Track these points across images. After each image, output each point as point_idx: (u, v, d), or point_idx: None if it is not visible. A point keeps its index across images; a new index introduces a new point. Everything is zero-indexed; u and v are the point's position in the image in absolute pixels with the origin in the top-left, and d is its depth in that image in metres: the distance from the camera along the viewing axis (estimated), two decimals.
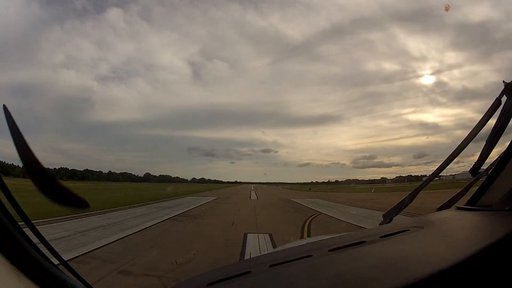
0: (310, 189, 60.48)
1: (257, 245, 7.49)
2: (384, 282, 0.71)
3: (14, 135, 0.62)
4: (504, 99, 1.20)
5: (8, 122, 0.62)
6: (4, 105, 0.62)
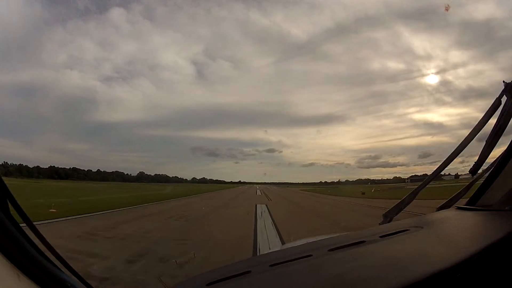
0: (364, 193, 33.51)
1: None
2: (384, 282, 0.71)
3: None
4: (504, 99, 1.20)
5: None
6: None
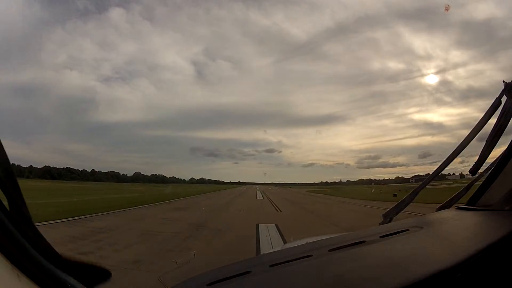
0: (395, 195, 23.20)
1: None
2: (384, 282, 0.71)
3: None
4: (504, 99, 1.20)
5: None
6: None
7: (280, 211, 16.38)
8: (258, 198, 29.91)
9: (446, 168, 1.36)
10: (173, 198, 24.96)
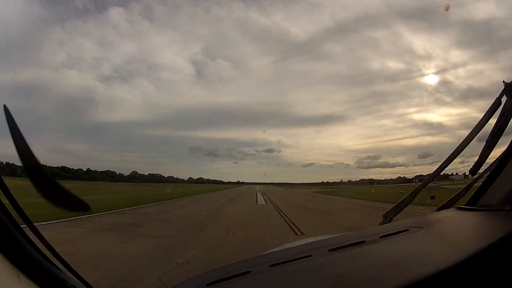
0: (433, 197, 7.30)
1: None
2: (384, 282, 0.71)
3: (15, 135, 0.62)
4: (504, 99, 1.20)
5: (8, 123, 0.61)
6: (4, 105, 0.62)
7: (301, 233, 8.28)
8: (258, 202, 22.08)
9: (447, 168, 1.36)
10: (149, 201, 18.41)
